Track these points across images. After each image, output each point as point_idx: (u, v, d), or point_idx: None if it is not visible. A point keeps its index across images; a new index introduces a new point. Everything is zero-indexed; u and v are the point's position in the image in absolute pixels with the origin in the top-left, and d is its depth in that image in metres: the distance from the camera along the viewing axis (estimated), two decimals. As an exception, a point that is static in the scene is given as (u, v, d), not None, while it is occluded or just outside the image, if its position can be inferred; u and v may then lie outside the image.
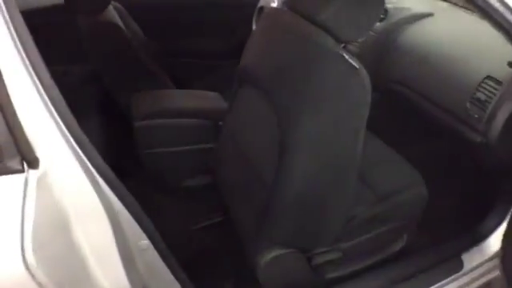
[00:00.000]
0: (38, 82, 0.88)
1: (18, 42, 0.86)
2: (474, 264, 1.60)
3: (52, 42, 1.87)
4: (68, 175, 0.91)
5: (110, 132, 2.06)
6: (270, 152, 1.28)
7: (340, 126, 1.22)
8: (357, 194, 1.36)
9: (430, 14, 1.94)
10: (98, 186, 0.96)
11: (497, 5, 1.17)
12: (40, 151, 0.88)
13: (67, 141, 0.91)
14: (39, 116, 0.88)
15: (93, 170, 0.95)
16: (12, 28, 0.86)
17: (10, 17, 0.86)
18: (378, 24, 1.91)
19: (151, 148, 1.87)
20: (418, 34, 1.90)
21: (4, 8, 0.85)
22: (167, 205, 1.92)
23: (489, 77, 1.52)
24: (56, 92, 0.90)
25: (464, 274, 1.59)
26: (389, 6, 2.01)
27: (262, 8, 2.27)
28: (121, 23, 2.01)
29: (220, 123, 1.79)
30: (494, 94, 1.48)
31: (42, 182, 0.87)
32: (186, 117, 1.85)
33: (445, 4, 2.07)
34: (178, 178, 1.95)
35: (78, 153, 0.93)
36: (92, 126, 2.14)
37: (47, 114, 0.88)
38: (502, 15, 1.18)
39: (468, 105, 1.56)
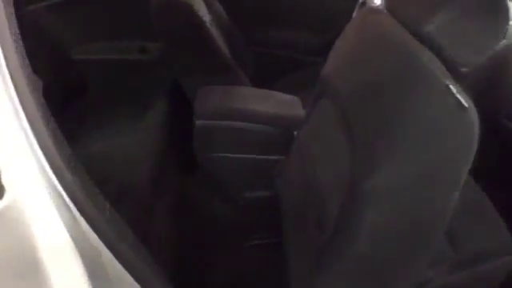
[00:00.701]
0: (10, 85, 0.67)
1: None
2: None
3: (129, 15, 1.70)
4: (39, 208, 0.70)
5: (175, 121, 1.87)
6: (337, 189, 1.04)
7: (433, 177, 0.95)
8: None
9: None
10: (75, 223, 0.75)
11: None
12: (5, 178, 0.67)
13: (41, 167, 0.70)
14: (6, 132, 0.67)
15: (70, 205, 0.74)
16: None
17: None
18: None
19: (211, 151, 1.65)
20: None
21: None
22: (221, 215, 1.77)
23: None
24: (31, 99, 0.69)
25: None
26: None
27: (364, 3, 1.93)
28: (200, 3, 1.78)
29: (295, 133, 1.54)
30: None
31: (5, 215, 0.66)
32: (256, 122, 1.60)
33: None
34: (236, 187, 1.72)
35: (52, 182, 0.71)
36: (158, 111, 1.97)
37: (18, 130, 0.67)
38: None
39: None
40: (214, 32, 1.85)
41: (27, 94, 0.71)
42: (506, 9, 0.89)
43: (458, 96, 0.85)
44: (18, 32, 0.75)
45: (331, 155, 1.15)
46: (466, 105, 0.85)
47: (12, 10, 0.76)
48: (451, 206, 0.96)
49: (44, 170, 0.71)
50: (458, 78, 0.91)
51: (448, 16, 0.90)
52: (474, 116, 0.87)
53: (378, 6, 1.65)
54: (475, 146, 0.89)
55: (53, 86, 2.01)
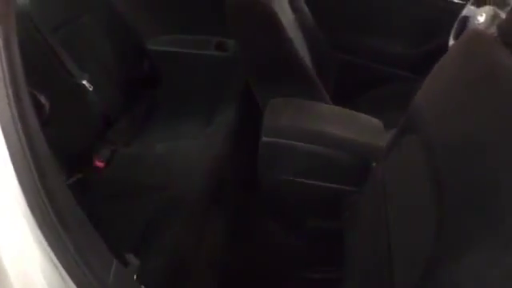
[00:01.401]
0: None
1: None
2: None
3: (210, 8, 1.56)
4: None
5: (243, 130, 1.73)
6: (410, 258, 0.87)
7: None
8: None
9: None
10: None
11: None
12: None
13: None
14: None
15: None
16: None
17: None
18: None
19: (275, 172, 1.49)
20: None
21: None
22: (283, 241, 1.63)
23: None
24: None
25: None
26: None
27: (464, 19, 1.64)
28: (281, 1, 1.61)
29: (373, 165, 1.34)
30: None
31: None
32: (331, 146, 1.41)
33: None
34: (299, 214, 1.56)
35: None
36: (226, 116, 1.84)
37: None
38: None
39: None
40: (295, 34, 1.67)
41: None
42: None
43: None
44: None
45: (412, 211, 0.94)
46: None
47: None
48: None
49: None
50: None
51: None
52: None
53: (486, 30, 1.40)
54: None
55: (125, 76, 1.96)
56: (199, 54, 2.03)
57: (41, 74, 1.62)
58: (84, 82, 1.75)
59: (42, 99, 0.78)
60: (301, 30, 1.75)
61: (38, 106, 0.77)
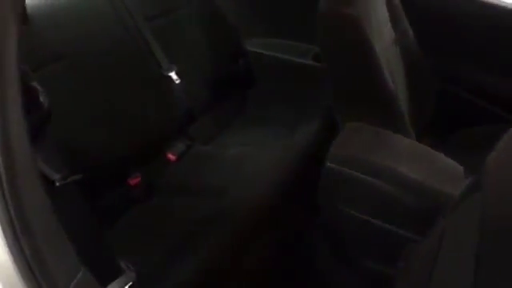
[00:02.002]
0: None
1: None
2: None
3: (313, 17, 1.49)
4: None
5: (319, 150, 1.64)
6: None
7: None
8: None
9: None
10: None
11: None
12: None
13: None
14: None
15: None
16: None
17: None
18: None
19: (335, 201, 1.37)
20: None
21: None
22: (333, 273, 1.52)
23: None
24: None
25: None
26: None
27: None
28: (378, 17, 1.48)
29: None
30: None
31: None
32: (397, 185, 1.26)
33: None
34: (355, 251, 1.43)
35: None
36: (307, 131, 1.76)
37: None
38: None
39: None
40: (391, 56, 1.53)
41: None
42: None
43: None
44: None
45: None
46: None
47: None
48: None
49: None
50: None
51: None
52: None
53: None
54: None
55: (217, 73, 1.96)
56: (296, 62, 1.96)
57: (128, 60, 1.67)
58: (171, 74, 1.78)
59: (42, 96, 0.75)
60: (400, 52, 1.60)
61: (35, 102, 0.75)
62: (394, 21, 1.60)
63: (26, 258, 0.62)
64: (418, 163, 1.32)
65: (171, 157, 1.73)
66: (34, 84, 0.75)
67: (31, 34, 1.41)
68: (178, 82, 1.78)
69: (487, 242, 0.69)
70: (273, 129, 1.85)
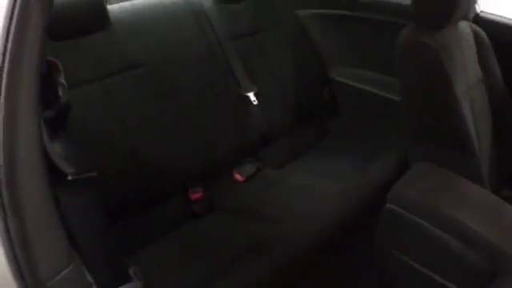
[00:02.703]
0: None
1: None
2: None
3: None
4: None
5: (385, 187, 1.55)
6: None
7: None
8: None
9: None
10: None
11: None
12: None
13: None
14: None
15: None
16: None
17: None
18: None
19: (391, 245, 1.27)
20: None
21: None
22: None
23: None
24: None
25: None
26: None
27: None
28: (458, 52, 1.37)
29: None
30: None
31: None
32: (459, 239, 1.13)
33: None
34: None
35: None
36: (384, 166, 1.67)
37: None
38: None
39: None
40: (475, 95, 1.41)
41: None
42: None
43: None
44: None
45: None
46: None
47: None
48: None
49: None
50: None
51: None
52: None
53: None
54: None
55: (299, 99, 1.93)
56: (379, 95, 1.87)
57: (207, 75, 1.71)
58: (249, 95, 1.78)
59: (61, 90, 0.77)
60: (486, 92, 1.47)
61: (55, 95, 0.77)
62: (482, 59, 1.47)
63: (11, 240, 0.63)
64: (486, 217, 1.18)
65: (238, 177, 1.73)
66: (58, 77, 0.78)
67: (112, 39, 1.51)
68: (255, 103, 1.79)
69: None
70: (346, 161, 1.78)
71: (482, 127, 1.42)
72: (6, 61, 0.62)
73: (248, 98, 1.78)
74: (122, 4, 1.64)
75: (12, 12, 0.62)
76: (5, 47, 0.62)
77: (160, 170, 1.52)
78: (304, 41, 1.98)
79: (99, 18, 1.48)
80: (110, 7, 1.54)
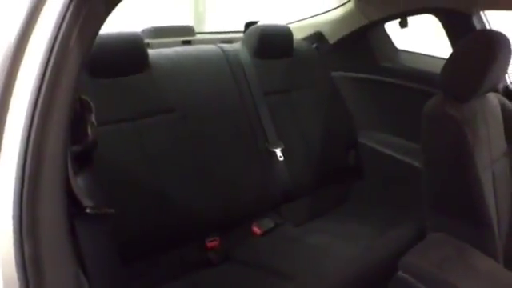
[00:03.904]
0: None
1: None
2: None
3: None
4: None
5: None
6: None
7: None
8: None
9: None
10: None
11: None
12: None
13: None
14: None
15: None
16: None
17: None
18: None
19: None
20: None
21: None
22: None
23: None
24: None
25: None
26: None
27: None
28: (492, 127, 1.39)
29: None
30: None
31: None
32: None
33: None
34: None
35: None
36: (402, 233, 1.65)
37: None
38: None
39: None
40: (499, 170, 1.40)
41: None
42: None
43: None
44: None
45: None
46: None
47: None
48: None
49: None
50: None
51: None
52: None
53: None
54: None
55: (325, 159, 1.96)
56: (406, 163, 1.87)
57: (237, 127, 1.76)
58: (276, 150, 1.82)
59: (90, 128, 0.82)
60: (510, 165, 1.46)
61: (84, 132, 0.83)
62: (509, 132, 1.48)
63: (24, 261, 0.67)
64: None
65: (256, 230, 1.74)
66: (89, 116, 0.83)
67: (150, 82, 1.58)
68: (281, 159, 1.82)
69: None
70: (365, 226, 1.76)
71: (502, 201, 1.40)
72: (42, 94, 0.68)
73: (275, 153, 1.81)
74: (162, 50, 1.73)
75: (52, 47, 0.69)
76: (41, 81, 0.68)
77: (180, 214, 1.54)
78: (335, 102, 2.03)
79: (139, 61, 1.56)
80: (150, 51, 1.62)
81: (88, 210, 0.81)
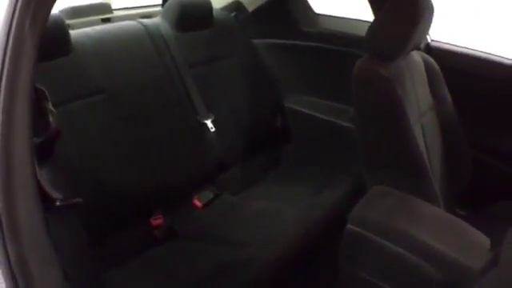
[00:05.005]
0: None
1: None
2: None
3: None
4: None
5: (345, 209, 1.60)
6: None
7: None
8: None
9: None
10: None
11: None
12: None
13: None
14: None
15: None
16: None
17: None
18: None
19: (354, 265, 1.32)
20: None
21: None
22: None
23: None
24: None
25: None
26: None
27: None
28: (412, 81, 1.47)
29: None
30: None
31: None
32: (418, 255, 1.20)
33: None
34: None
35: None
36: (337, 191, 1.72)
37: None
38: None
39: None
40: (426, 121, 1.51)
41: None
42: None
43: None
44: None
45: None
46: None
47: None
48: None
49: None
50: None
51: None
52: None
53: None
54: None
55: (253, 127, 1.98)
56: (333, 123, 1.95)
57: (166, 102, 1.73)
58: (207, 122, 1.81)
59: (52, 117, 0.78)
60: (437, 118, 1.58)
61: (45, 122, 0.78)
62: (433, 87, 1.58)
63: (11, 266, 0.63)
64: (441, 233, 1.25)
65: (197, 203, 1.74)
66: (47, 105, 0.78)
67: (76, 65, 1.51)
68: (213, 130, 1.81)
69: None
70: (302, 187, 1.83)
71: (433, 151, 1.51)
72: (2, 87, 0.63)
73: (206, 125, 1.81)
74: (83, 30, 1.65)
75: (8, 36, 0.64)
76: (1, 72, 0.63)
77: (121, 196, 1.51)
78: (259, 69, 2.05)
79: (62, 43, 1.49)
80: (72, 32, 1.55)
81: (58, 203, 0.78)
